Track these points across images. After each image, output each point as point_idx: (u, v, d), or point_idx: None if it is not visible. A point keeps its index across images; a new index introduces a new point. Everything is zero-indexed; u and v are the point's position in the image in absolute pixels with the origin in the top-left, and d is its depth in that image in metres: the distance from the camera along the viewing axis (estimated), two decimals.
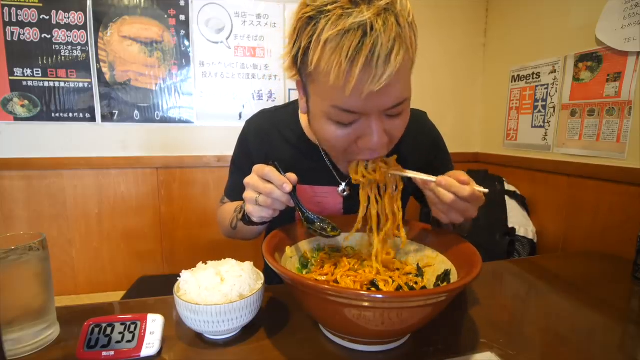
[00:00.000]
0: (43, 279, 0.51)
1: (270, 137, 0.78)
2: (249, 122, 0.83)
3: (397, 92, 0.51)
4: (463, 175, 0.54)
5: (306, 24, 0.49)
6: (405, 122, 0.57)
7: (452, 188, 0.52)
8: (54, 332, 0.53)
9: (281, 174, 0.57)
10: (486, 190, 0.54)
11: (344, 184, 0.75)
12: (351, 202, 0.76)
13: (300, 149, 0.76)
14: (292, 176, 0.57)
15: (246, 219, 0.64)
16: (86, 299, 1.62)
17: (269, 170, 0.56)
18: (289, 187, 0.56)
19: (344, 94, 0.48)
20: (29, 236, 0.51)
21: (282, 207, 0.58)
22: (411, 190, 0.83)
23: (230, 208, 0.79)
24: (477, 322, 0.59)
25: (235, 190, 0.84)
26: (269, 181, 0.56)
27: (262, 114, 0.82)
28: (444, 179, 0.53)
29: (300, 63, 0.53)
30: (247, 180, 0.59)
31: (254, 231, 0.74)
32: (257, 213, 0.57)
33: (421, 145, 0.79)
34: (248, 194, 0.58)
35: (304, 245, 0.66)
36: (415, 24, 0.49)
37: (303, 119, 0.77)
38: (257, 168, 0.58)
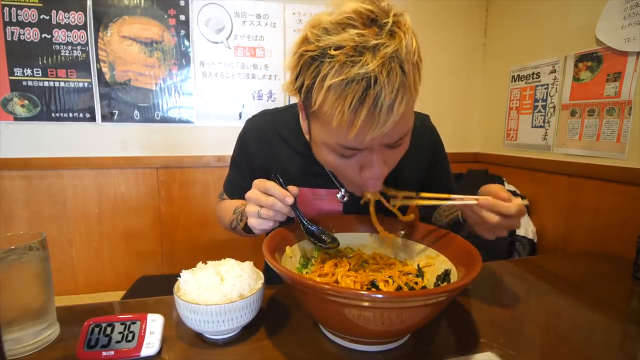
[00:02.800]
0: (43, 278, 0.51)
1: (270, 139, 0.78)
2: (249, 122, 0.82)
3: (398, 131, 0.51)
4: (503, 192, 0.54)
5: (309, 64, 0.49)
6: (405, 148, 0.58)
7: (496, 208, 0.53)
8: (53, 332, 0.53)
9: (283, 186, 0.58)
10: (527, 202, 0.55)
11: (343, 190, 0.75)
12: (352, 209, 0.75)
13: (300, 152, 0.76)
14: (294, 189, 0.58)
15: (247, 229, 0.65)
16: (86, 299, 1.62)
17: (271, 185, 0.57)
18: (290, 200, 0.56)
19: (346, 137, 0.49)
20: (29, 236, 0.51)
21: (283, 219, 0.59)
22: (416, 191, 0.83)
23: (230, 206, 0.79)
24: (477, 322, 0.59)
25: (232, 186, 0.85)
26: (270, 194, 0.57)
27: (263, 115, 0.82)
28: (485, 200, 0.53)
29: (303, 98, 0.53)
30: (249, 194, 0.59)
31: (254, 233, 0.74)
32: (259, 226, 0.59)
33: (423, 148, 0.79)
34: (250, 208, 0.59)
35: (304, 245, 0.66)
36: (420, 59, 0.49)
37: (304, 122, 0.77)
38: (258, 183, 0.59)
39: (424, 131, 0.80)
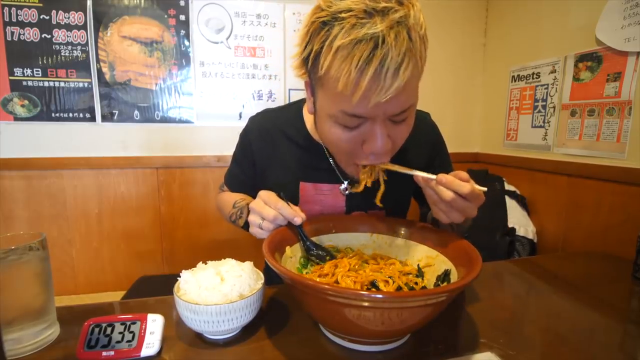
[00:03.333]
0: (43, 278, 0.51)
1: (272, 137, 0.79)
2: (251, 120, 0.83)
3: (403, 101, 0.52)
4: (463, 174, 0.54)
5: (320, 29, 0.50)
6: (409, 128, 0.59)
7: (452, 185, 0.53)
8: (54, 332, 0.53)
9: (286, 202, 0.62)
10: (484, 189, 0.54)
11: (345, 182, 0.76)
12: (353, 202, 0.76)
13: (303, 147, 0.77)
14: (301, 214, 0.61)
15: (246, 226, 0.69)
16: (86, 299, 1.62)
17: (282, 205, 0.61)
18: (299, 220, 0.60)
19: (351, 101, 0.49)
20: (29, 236, 0.51)
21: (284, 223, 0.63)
22: (412, 191, 0.84)
23: (230, 199, 0.83)
24: (477, 322, 0.59)
25: (233, 180, 0.89)
26: (277, 208, 0.61)
27: (266, 113, 0.83)
28: (444, 176, 0.54)
29: (310, 66, 0.54)
30: (252, 205, 0.63)
31: None
32: (259, 235, 0.63)
33: (423, 144, 0.80)
34: (252, 218, 0.62)
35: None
36: (427, 36, 0.51)
37: (307, 118, 0.78)
38: (266, 196, 0.62)
39: (424, 128, 0.81)
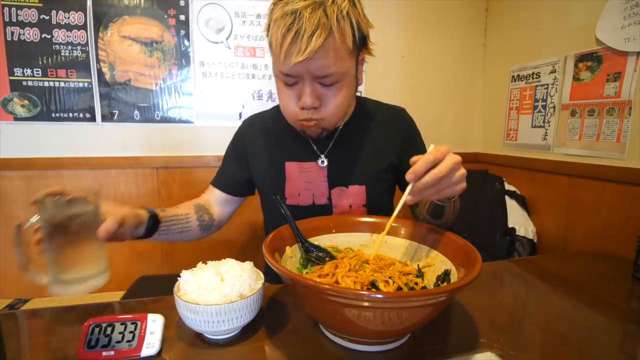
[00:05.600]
0: (96, 227, 0.55)
1: (259, 128, 0.93)
2: (243, 121, 0.98)
3: (322, 65, 0.64)
4: (414, 157, 0.55)
5: (271, 9, 0.67)
6: (340, 97, 0.71)
7: (419, 164, 0.53)
8: (104, 277, 0.57)
9: (282, 208, 0.68)
10: (431, 145, 0.57)
11: (322, 155, 0.85)
12: (335, 178, 0.85)
13: (286, 130, 0.87)
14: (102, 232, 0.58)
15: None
16: (86, 299, 1.62)
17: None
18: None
19: (280, 60, 0.65)
20: (82, 191, 0.54)
21: None
22: (394, 181, 0.91)
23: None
24: (477, 322, 0.59)
25: (219, 176, 0.98)
26: None
27: (256, 115, 0.99)
28: (409, 174, 0.54)
29: (268, 40, 0.70)
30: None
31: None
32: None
33: (395, 136, 0.88)
34: None
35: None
36: (353, 19, 0.64)
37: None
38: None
39: (397, 120, 0.90)
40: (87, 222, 0.54)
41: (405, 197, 0.57)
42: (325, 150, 0.85)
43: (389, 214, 0.79)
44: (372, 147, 0.86)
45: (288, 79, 0.69)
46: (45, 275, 0.52)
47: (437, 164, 0.54)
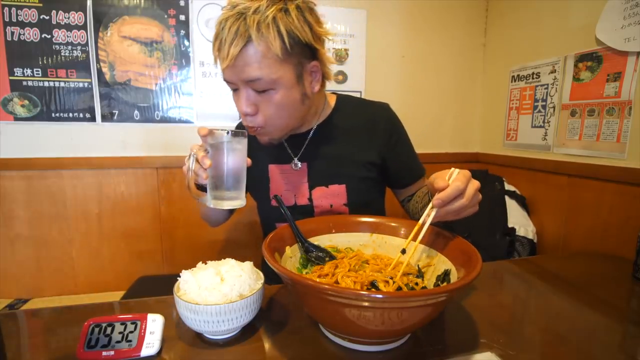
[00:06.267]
0: (244, 156, 0.66)
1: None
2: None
3: (246, 71, 0.67)
4: (439, 180, 0.55)
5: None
6: (275, 104, 0.71)
7: (446, 202, 0.54)
8: (244, 201, 0.66)
9: (282, 207, 0.69)
10: (456, 170, 0.57)
11: (295, 158, 0.87)
12: (314, 179, 0.86)
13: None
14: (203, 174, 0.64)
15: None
16: (86, 299, 1.62)
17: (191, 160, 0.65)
18: (201, 180, 0.65)
19: (217, 64, 0.70)
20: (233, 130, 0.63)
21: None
22: (380, 180, 0.91)
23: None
24: (477, 322, 0.59)
25: None
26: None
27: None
28: (436, 201, 0.54)
29: None
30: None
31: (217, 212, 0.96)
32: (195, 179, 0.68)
33: (378, 130, 0.88)
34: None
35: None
36: (282, 27, 0.64)
37: None
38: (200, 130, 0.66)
39: (379, 116, 0.90)
40: (238, 150, 0.65)
41: (429, 224, 0.57)
42: (298, 153, 0.87)
43: (375, 212, 0.81)
44: (350, 146, 0.86)
45: (229, 84, 0.73)
46: (206, 195, 0.65)
47: (462, 192, 0.54)
